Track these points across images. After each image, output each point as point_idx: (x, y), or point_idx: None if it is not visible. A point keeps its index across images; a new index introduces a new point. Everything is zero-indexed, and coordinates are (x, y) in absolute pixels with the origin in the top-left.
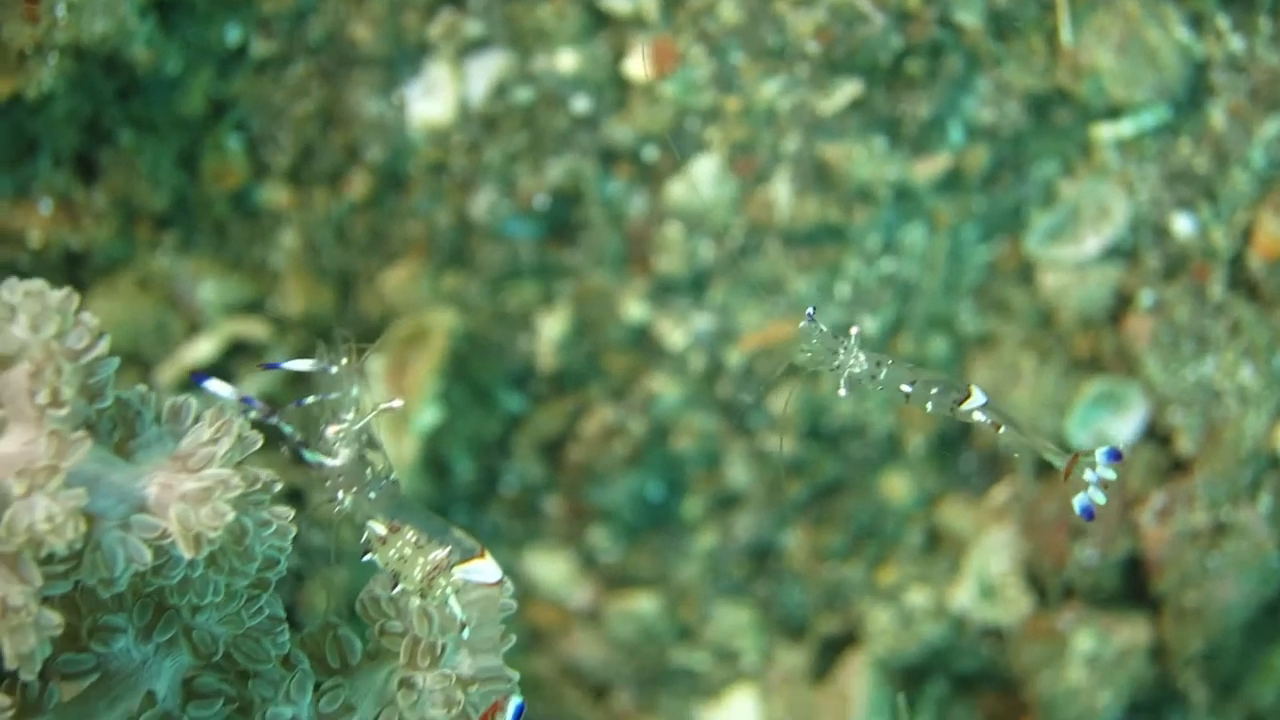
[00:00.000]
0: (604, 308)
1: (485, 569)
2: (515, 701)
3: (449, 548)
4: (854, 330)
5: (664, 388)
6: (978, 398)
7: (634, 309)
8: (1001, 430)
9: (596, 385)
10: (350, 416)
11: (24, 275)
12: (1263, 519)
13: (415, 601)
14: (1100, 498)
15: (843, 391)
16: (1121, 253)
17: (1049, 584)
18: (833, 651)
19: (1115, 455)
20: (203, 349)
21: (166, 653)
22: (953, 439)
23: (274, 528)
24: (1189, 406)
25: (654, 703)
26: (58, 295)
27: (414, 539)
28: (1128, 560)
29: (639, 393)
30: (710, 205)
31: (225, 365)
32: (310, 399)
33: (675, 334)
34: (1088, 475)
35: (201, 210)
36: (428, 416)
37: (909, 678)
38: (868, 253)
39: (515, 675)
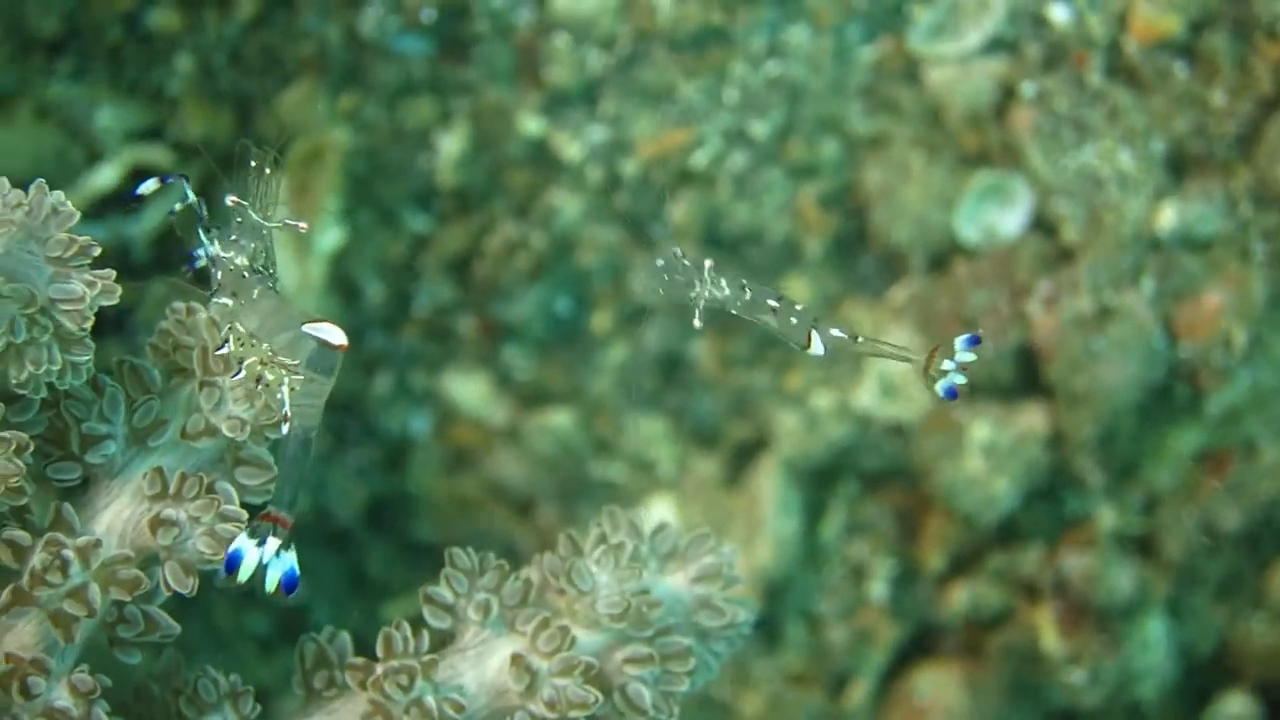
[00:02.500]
0: (501, 123)
1: (331, 330)
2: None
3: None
4: (708, 264)
5: (564, 201)
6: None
7: (530, 123)
8: (859, 340)
9: (498, 201)
10: (252, 215)
11: None
12: (1145, 301)
13: (203, 316)
14: (960, 379)
15: (698, 324)
16: (1003, 45)
17: None
18: (744, 458)
19: (975, 340)
20: (106, 176)
21: None
22: (850, 242)
23: (99, 288)
24: (1072, 195)
25: (576, 515)
26: None
27: (259, 330)
28: (1020, 350)
29: (540, 207)
30: (595, 13)
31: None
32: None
33: (571, 147)
34: (945, 364)
35: (94, 35)
36: (330, 237)
37: (819, 479)
38: (753, 55)
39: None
